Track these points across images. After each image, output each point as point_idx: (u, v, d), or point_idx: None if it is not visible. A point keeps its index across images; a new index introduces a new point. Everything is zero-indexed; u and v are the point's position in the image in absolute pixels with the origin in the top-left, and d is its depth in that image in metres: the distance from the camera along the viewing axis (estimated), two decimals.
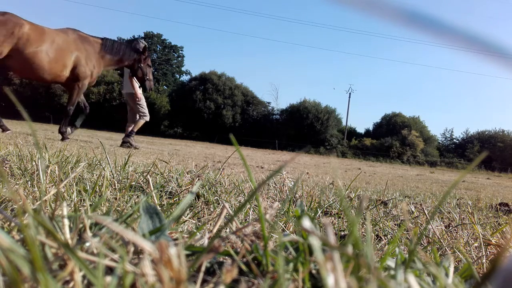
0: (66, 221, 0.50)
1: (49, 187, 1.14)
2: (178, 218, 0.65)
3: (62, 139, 5.84)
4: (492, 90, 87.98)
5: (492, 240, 1.05)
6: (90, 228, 0.55)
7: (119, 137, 14.71)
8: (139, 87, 6.61)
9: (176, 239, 0.59)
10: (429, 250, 1.01)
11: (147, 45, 6.54)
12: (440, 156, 40.67)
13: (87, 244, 0.48)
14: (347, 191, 2.25)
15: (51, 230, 0.41)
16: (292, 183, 1.83)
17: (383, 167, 15.67)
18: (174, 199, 1.28)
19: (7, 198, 0.91)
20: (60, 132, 6.03)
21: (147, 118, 6.85)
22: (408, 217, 1.48)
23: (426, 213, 1.24)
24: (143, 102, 6.76)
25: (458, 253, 0.92)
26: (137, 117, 6.86)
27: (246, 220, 1.12)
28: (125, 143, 6.64)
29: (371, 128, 45.74)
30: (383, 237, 1.16)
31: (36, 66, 5.36)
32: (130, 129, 6.78)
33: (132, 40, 7.05)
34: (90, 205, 0.75)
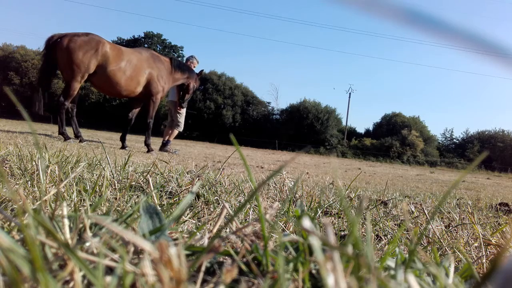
0: (66, 221, 0.50)
1: (49, 187, 1.14)
2: (178, 218, 0.65)
3: (148, 151, 6.26)
4: (492, 90, 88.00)
5: (492, 240, 1.05)
6: (90, 228, 0.55)
7: (119, 137, 14.70)
8: (180, 99, 7.10)
9: (176, 239, 0.59)
10: (429, 250, 1.01)
11: (203, 70, 7.24)
12: (440, 156, 40.66)
13: (87, 244, 0.48)
14: (347, 191, 2.25)
15: (51, 230, 0.41)
16: (292, 183, 1.83)
17: (383, 167, 15.67)
18: (174, 199, 1.28)
19: (7, 198, 0.91)
20: (146, 144, 6.49)
21: (181, 129, 7.29)
22: (408, 217, 1.48)
23: (426, 213, 1.24)
24: (183, 112, 7.23)
25: (458, 253, 0.92)
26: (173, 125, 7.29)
27: (246, 220, 1.12)
28: (164, 151, 7.07)
29: (371, 128, 45.75)
30: (383, 237, 1.16)
31: (114, 83, 5.88)
32: (166, 138, 7.21)
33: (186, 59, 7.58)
34: (90, 205, 0.75)
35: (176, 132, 7.27)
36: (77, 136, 6.21)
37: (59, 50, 5.51)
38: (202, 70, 7.20)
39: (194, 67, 7.35)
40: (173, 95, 7.21)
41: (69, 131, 6.27)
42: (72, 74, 5.55)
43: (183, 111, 7.22)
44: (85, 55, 5.51)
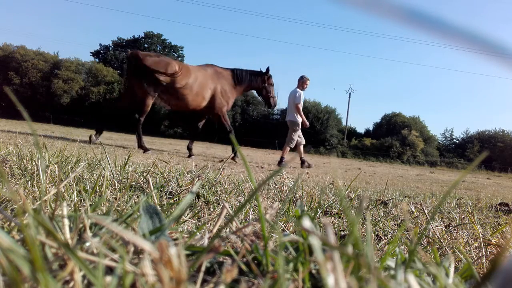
0: (66, 221, 0.50)
1: (49, 187, 1.14)
2: (178, 218, 0.65)
3: (190, 154, 6.75)
4: (492, 90, 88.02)
5: (492, 240, 1.05)
6: (90, 228, 0.55)
7: (119, 137, 14.70)
8: (265, 105, 7.61)
9: (176, 239, 0.59)
10: (429, 250, 1.01)
11: (268, 66, 7.37)
12: (440, 156, 40.65)
13: (87, 244, 0.48)
14: (347, 191, 2.25)
15: (51, 230, 0.41)
16: (292, 183, 1.83)
17: (383, 167, 15.67)
18: (174, 199, 1.28)
19: (7, 198, 0.91)
20: (188, 148, 6.89)
21: (292, 146, 7.56)
22: (408, 217, 1.48)
23: (426, 213, 1.24)
24: (299, 132, 7.53)
25: (458, 253, 0.92)
26: (302, 140, 7.65)
27: (246, 220, 1.12)
28: (304, 167, 7.41)
29: (371, 128, 45.75)
30: (383, 237, 1.16)
31: (182, 99, 6.37)
32: (301, 158, 7.66)
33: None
34: (90, 205, 0.75)
35: (288, 149, 7.57)
36: (141, 146, 6.60)
37: (134, 68, 6.04)
38: (268, 67, 7.33)
39: (306, 86, 7.55)
40: (291, 115, 7.48)
41: (99, 136, 6.48)
42: (145, 92, 6.04)
43: (299, 131, 7.53)
44: (156, 75, 5.96)
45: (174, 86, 6.17)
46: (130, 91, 6.24)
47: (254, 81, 7.19)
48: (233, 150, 7.27)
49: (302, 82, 7.57)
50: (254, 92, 7.82)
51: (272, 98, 7.46)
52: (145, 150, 6.11)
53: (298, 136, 7.61)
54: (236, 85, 7.07)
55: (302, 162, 7.58)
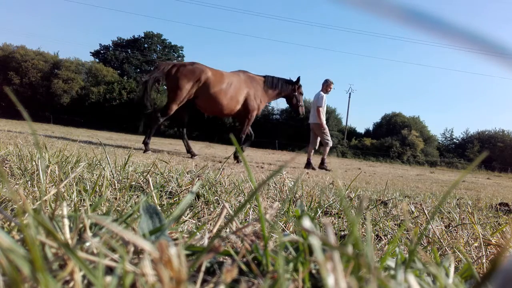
0: (66, 221, 0.50)
1: (49, 187, 1.14)
2: (178, 218, 0.65)
3: (237, 161, 6.89)
4: (492, 90, 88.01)
5: (492, 240, 1.05)
6: (90, 228, 0.55)
7: (119, 137, 14.70)
8: (294, 113, 7.76)
9: (176, 239, 0.59)
10: (429, 250, 1.01)
11: (299, 76, 7.59)
12: (440, 156, 40.64)
13: (87, 244, 0.48)
14: (347, 191, 2.25)
15: (51, 230, 0.41)
16: (292, 183, 1.83)
17: (383, 167, 15.67)
18: (174, 199, 1.28)
19: (7, 198, 0.91)
20: (235, 157, 7.06)
21: (331, 144, 7.81)
22: (408, 217, 1.48)
23: (426, 213, 1.24)
24: (327, 130, 7.71)
25: (458, 253, 0.92)
26: (316, 143, 7.87)
27: (246, 220, 1.12)
28: (323, 169, 7.60)
29: (371, 128, 45.73)
30: (383, 237, 1.16)
31: (216, 104, 6.63)
32: (323, 157, 7.86)
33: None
34: (90, 205, 0.75)
35: (327, 148, 7.78)
36: (189, 151, 6.81)
37: (168, 76, 6.41)
38: (299, 77, 7.54)
39: (330, 89, 7.76)
40: (314, 117, 7.66)
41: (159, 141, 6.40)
42: (174, 97, 6.35)
43: (327, 129, 7.70)
44: (188, 83, 6.33)
45: (208, 91, 6.46)
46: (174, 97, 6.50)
47: (285, 89, 7.43)
48: (242, 148, 7.38)
49: (326, 86, 7.74)
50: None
51: (300, 107, 7.67)
52: (147, 150, 6.22)
53: (315, 139, 7.85)
54: (268, 91, 7.31)
55: (308, 163, 7.71)
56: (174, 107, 6.40)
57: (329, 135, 7.77)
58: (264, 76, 7.32)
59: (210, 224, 0.99)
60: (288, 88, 7.43)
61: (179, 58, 52.69)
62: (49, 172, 1.19)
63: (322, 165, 7.79)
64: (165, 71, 6.43)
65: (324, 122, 7.60)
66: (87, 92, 39.11)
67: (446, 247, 1.03)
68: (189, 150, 6.85)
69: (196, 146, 15.21)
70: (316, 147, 7.95)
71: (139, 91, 6.85)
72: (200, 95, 6.51)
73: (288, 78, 7.52)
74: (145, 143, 6.32)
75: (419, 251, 0.53)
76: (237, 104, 6.89)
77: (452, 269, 0.55)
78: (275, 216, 0.99)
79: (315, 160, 9.07)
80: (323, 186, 2.66)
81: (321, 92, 7.66)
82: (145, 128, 6.80)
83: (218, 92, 6.53)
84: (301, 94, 7.63)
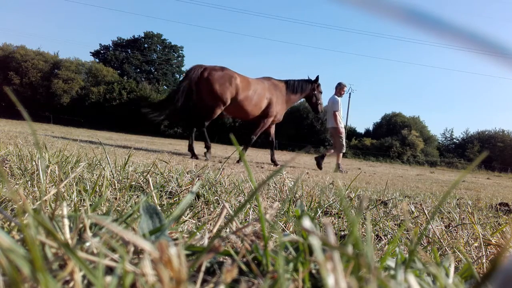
0: (66, 221, 0.50)
1: (49, 187, 1.14)
2: (178, 218, 0.65)
3: (275, 165, 7.14)
4: (492, 90, 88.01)
5: (492, 240, 1.05)
6: (90, 228, 0.55)
7: (119, 137, 14.70)
8: (314, 111, 7.86)
9: (176, 239, 0.59)
10: (429, 250, 1.01)
11: (318, 75, 7.74)
12: (440, 156, 40.64)
13: (87, 244, 0.48)
14: (347, 191, 2.25)
15: (51, 230, 0.41)
16: (292, 183, 1.83)
17: (383, 167, 15.66)
18: (174, 199, 1.28)
19: (7, 198, 0.91)
20: (272, 160, 7.38)
21: (344, 150, 7.98)
22: (408, 217, 1.48)
23: (426, 213, 1.24)
24: (343, 135, 7.88)
25: (458, 253, 0.92)
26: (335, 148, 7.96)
27: (246, 220, 1.12)
28: (340, 171, 7.64)
29: (371, 128, 45.74)
30: (383, 237, 1.16)
31: (242, 110, 6.90)
32: (338, 162, 7.95)
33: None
34: (90, 205, 0.75)
35: (340, 154, 7.89)
36: (207, 147, 6.91)
37: (200, 81, 6.54)
38: (318, 76, 7.65)
39: (343, 92, 7.93)
40: (331, 122, 7.78)
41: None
42: (214, 102, 6.55)
43: (343, 135, 7.86)
44: (222, 87, 6.53)
45: (237, 97, 6.72)
46: (199, 100, 6.69)
47: (305, 90, 7.59)
48: (245, 148, 7.56)
49: (339, 89, 7.86)
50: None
51: (319, 105, 7.80)
52: (194, 155, 6.48)
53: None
54: (290, 97, 7.51)
55: (338, 167, 7.81)
56: (217, 111, 6.65)
57: (344, 140, 7.90)
58: (286, 82, 7.50)
59: (210, 224, 0.99)
60: (308, 88, 7.58)
61: (179, 58, 52.70)
62: (49, 172, 1.19)
63: (337, 169, 7.88)
64: (197, 74, 6.60)
65: (341, 126, 7.75)
66: (87, 92, 39.10)
67: (446, 247, 1.03)
68: (190, 148, 6.95)
69: (196, 146, 15.20)
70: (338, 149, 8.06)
71: (172, 92, 6.97)
72: (230, 100, 6.75)
73: (307, 78, 7.65)
74: (191, 149, 6.52)
75: (419, 251, 0.53)
76: (260, 110, 7.15)
77: (452, 269, 0.55)
78: (275, 216, 0.99)
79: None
80: (323, 186, 2.66)
81: (336, 96, 7.77)
82: (187, 133, 7.00)
83: (245, 99, 6.79)
84: (320, 92, 7.76)
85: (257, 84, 7.04)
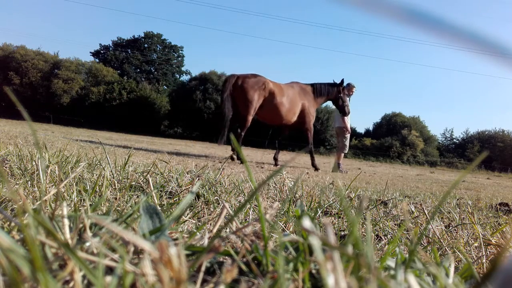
0: (66, 221, 0.50)
1: (49, 187, 1.14)
2: (178, 218, 0.65)
3: (275, 164, 7.34)
4: (492, 90, 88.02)
5: (492, 240, 1.05)
6: (90, 228, 0.55)
7: (119, 137, 14.70)
8: (341, 113, 7.85)
9: (176, 239, 0.59)
10: (429, 250, 1.01)
11: (343, 78, 7.84)
12: (440, 156, 40.64)
13: (87, 244, 0.48)
14: (347, 191, 2.25)
15: (51, 230, 0.41)
16: (292, 183, 1.83)
17: (383, 167, 15.66)
18: (174, 199, 1.28)
19: (7, 198, 0.91)
20: (313, 165, 7.46)
21: (346, 151, 8.09)
22: (408, 217, 1.48)
23: (426, 213, 1.24)
24: (348, 136, 7.99)
25: (458, 253, 0.92)
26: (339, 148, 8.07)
27: (246, 220, 1.12)
28: (340, 171, 7.78)
29: (371, 128, 45.75)
30: (383, 237, 1.16)
31: (277, 114, 7.06)
32: (339, 162, 8.05)
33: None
34: (90, 205, 0.75)
35: (342, 154, 8.02)
36: (232, 152, 7.09)
37: (235, 88, 6.77)
38: (343, 79, 7.75)
39: (352, 93, 8.01)
40: (339, 121, 7.88)
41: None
42: (247, 109, 6.74)
43: (348, 136, 7.97)
44: (255, 94, 6.74)
45: (271, 103, 6.92)
46: (234, 107, 6.89)
47: (331, 93, 7.71)
48: (312, 164, 7.67)
49: (348, 89, 7.92)
50: None
51: (346, 107, 7.87)
52: (232, 159, 6.67)
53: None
54: (317, 99, 7.66)
55: (338, 167, 7.91)
56: (250, 118, 6.81)
57: (348, 143, 8.00)
58: (312, 85, 7.65)
59: (210, 224, 0.99)
60: (333, 91, 7.70)
61: (179, 58, 52.69)
62: (49, 172, 1.19)
63: (337, 169, 7.96)
64: (231, 83, 6.78)
65: (348, 126, 7.80)
66: (87, 92, 39.09)
67: (446, 247, 1.03)
68: (237, 154, 7.08)
69: (196, 146, 15.21)
70: (346, 150, 8.14)
71: (219, 107, 7.25)
72: (263, 106, 6.94)
73: (332, 81, 7.77)
74: (232, 158, 6.67)
75: (419, 251, 0.53)
76: (294, 115, 7.31)
77: (452, 269, 0.55)
78: (275, 216, 0.99)
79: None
80: (323, 186, 2.66)
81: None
82: (225, 139, 7.17)
83: (279, 104, 6.96)
84: (346, 95, 7.86)
85: (288, 90, 7.22)
